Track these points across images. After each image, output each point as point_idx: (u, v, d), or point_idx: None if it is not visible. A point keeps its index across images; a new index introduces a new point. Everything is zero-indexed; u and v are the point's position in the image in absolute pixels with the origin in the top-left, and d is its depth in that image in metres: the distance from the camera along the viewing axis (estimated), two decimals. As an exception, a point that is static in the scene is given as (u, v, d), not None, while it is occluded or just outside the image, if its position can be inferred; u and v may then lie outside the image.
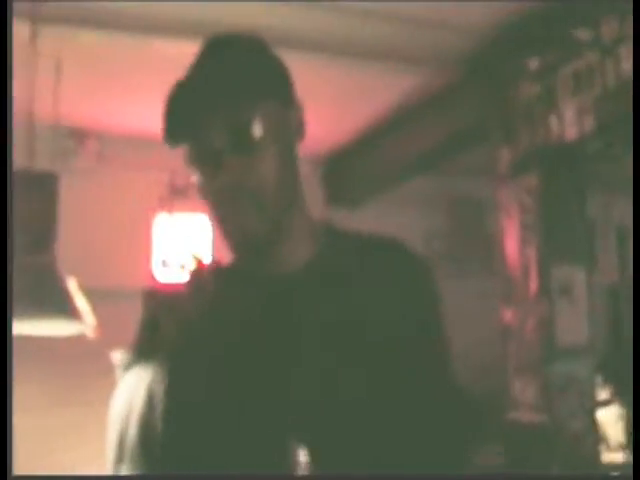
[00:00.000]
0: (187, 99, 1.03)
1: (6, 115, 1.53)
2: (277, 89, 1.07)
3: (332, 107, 3.77)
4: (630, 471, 1.80)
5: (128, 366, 2.77)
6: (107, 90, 3.70)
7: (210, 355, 1.05)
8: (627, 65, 2.61)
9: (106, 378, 3.54)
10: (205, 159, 1.03)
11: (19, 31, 2.70)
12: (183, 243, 4.34)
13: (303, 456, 0.97)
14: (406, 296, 1.07)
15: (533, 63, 3.12)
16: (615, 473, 3.50)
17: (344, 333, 1.03)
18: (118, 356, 2.73)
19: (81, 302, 2.56)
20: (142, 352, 2.67)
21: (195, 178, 1.06)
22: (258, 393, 1.02)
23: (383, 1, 2.87)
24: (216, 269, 1.14)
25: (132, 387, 2.64)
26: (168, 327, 1.11)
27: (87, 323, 2.54)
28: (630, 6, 2.50)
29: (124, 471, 2.57)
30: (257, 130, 1.01)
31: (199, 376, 1.05)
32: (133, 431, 2.53)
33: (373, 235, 1.15)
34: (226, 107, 1.01)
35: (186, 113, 1.02)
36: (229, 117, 1.01)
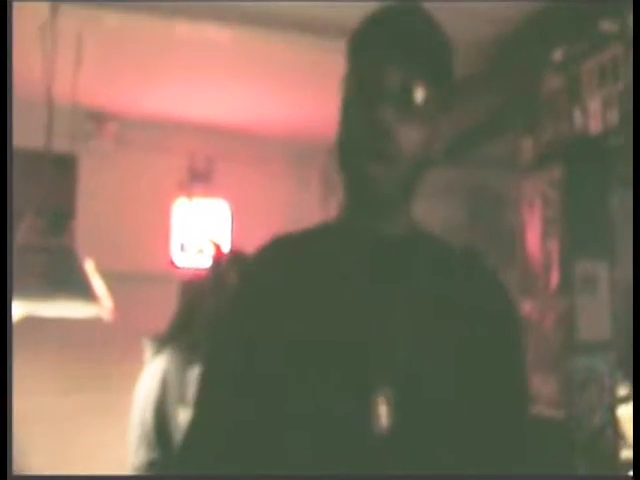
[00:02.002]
0: (374, 42, 1.09)
1: (6, 96, 1.51)
2: (447, 74, 1.14)
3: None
4: (630, 472, 1.77)
5: (157, 352, 2.76)
6: (128, 72, 3.69)
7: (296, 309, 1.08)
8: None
9: (122, 362, 3.56)
10: (372, 101, 1.05)
11: (39, 10, 2.69)
12: (202, 228, 4.33)
13: (385, 412, 1.01)
14: (487, 295, 1.14)
15: (557, 54, 3.08)
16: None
17: (435, 307, 1.09)
18: (147, 342, 2.73)
19: (99, 284, 2.56)
20: (174, 339, 2.66)
21: (352, 115, 1.08)
22: (346, 347, 1.05)
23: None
24: (322, 226, 1.19)
25: (154, 373, 2.64)
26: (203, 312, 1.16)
27: (104, 306, 2.54)
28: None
29: (141, 455, 2.56)
30: (421, 97, 1.07)
31: (284, 327, 1.07)
32: (149, 415, 2.54)
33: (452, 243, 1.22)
34: (403, 65, 1.06)
35: (372, 56, 1.08)
36: (403, 74, 1.06)
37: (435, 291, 1.10)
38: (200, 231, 4.32)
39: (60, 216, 2.56)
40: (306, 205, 4.15)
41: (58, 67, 2.69)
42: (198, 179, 4.29)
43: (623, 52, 2.72)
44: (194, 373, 2.37)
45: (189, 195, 4.32)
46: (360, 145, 1.06)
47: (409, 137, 1.06)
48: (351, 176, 1.11)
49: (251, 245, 1.24)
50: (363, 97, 1.07)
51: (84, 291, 2.41)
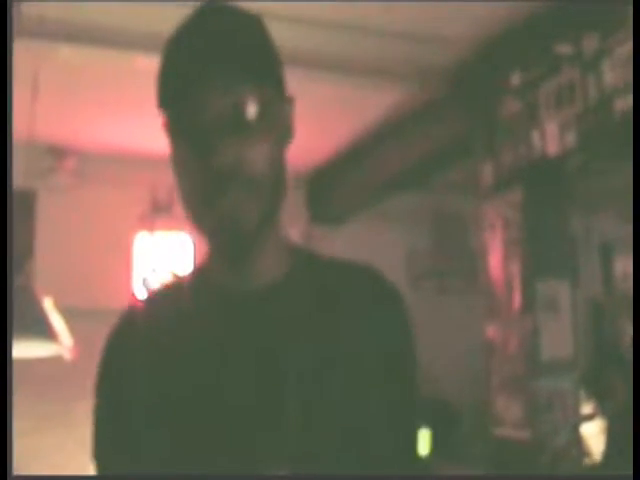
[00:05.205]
0: (187, 62, 0.91)
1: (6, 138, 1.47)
2: (275, 75, 0.97)
3: (315, 123, 3.75)
4: (630, 472, 1.78)
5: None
6: (86, 106, 3.67)
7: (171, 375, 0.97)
8: (608, 80, 2.62)
9: (84, 399, 3.48)
10: (198, 133, 0.90)
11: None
12: (164, 262, 4.29)
13: None
14: (380, 324, 1.01)
15: (515, 79, 3.13)
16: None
17: (314, 356, 0.95)
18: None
19: (58, 322, 2.51)
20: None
21: (180, 156, 0.94)
22: (225, 418, 0.93)
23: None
24: (182, 280, 1.05)
25: None
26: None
27: (64, 344, 2.49)
28: (612, 19, 2.52)
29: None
30: (253, 112, 0.91)
31: (160, 398, 0.96)
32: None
33: (346, 260, 1.08)
34: (225, 80, 0.90)
35: (185, 76, 0.91)
36: (227, 91, 0.90)
37: (319, 343, 0.96)
38: (163, 264, 4.28)
39: (17, 253, 2.51)
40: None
41: (14, 102, 2.66)
42: (160, 212, 4.25)
43: (579, 75, 2.77)
44: None
45: (150, 228, 4.29)
46: (200, 191, 0.91)
47: (251, 161, 0.91)
48: (203, 228, 0.94)
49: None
50: (187, 132, 0.92)
51: (42, 330, 2.36)
